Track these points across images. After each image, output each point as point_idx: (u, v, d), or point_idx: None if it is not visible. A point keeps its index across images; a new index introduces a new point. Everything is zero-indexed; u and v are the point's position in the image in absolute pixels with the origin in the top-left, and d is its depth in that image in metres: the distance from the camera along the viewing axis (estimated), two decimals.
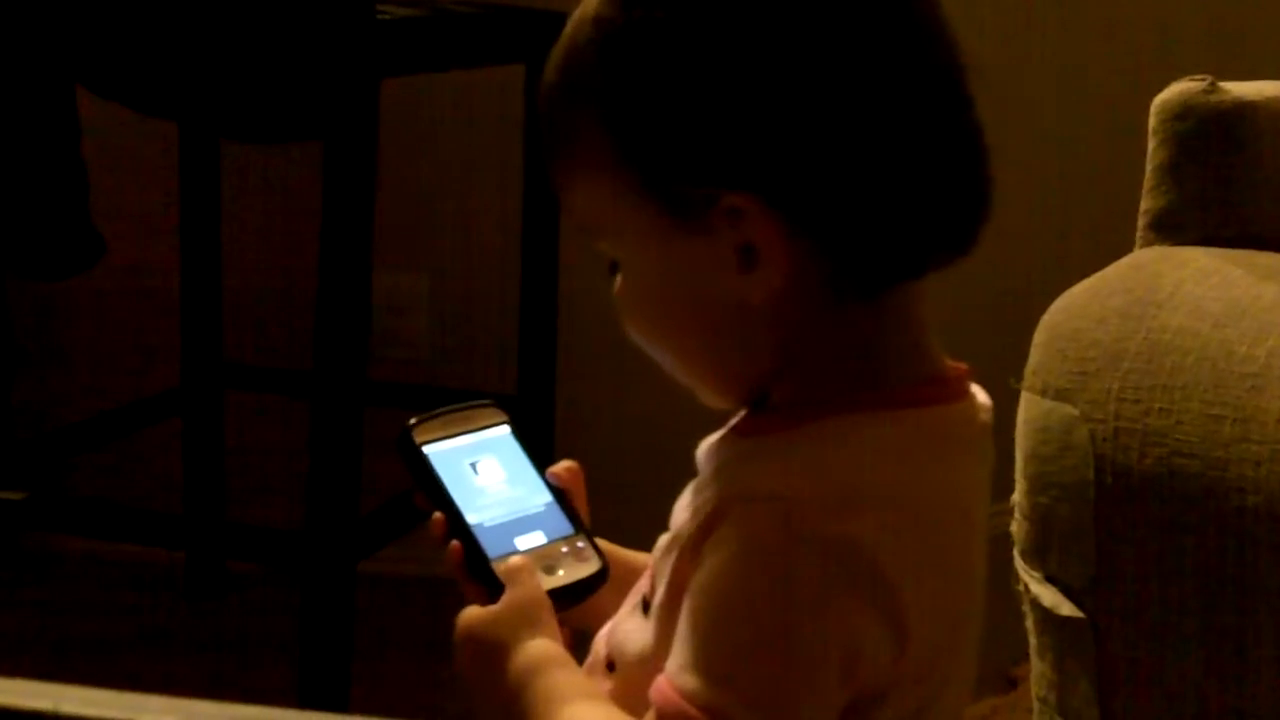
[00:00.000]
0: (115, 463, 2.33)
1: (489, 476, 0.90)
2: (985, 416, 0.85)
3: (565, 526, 0.90)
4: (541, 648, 0.83)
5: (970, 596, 0.83)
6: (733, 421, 0.85)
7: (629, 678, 0.82)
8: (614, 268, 0.84)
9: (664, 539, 0.83)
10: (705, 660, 0.75)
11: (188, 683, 1.65)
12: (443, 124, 2.31)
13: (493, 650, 0.84)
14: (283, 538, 1.92)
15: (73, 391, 2.42)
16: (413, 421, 0.90)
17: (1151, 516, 1.10)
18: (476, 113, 2.28)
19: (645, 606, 0.83)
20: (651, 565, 0.84)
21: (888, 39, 0.77)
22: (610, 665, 0.85)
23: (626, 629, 0.85)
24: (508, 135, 2.09)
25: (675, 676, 0.76)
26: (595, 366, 2.30)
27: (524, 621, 0.84)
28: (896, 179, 0.77)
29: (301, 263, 1.91)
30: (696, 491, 0.82)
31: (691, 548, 0.78)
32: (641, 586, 0.85)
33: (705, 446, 0.85)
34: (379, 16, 1.78)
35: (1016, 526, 1.18)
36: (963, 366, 0.84)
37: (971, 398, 0.84)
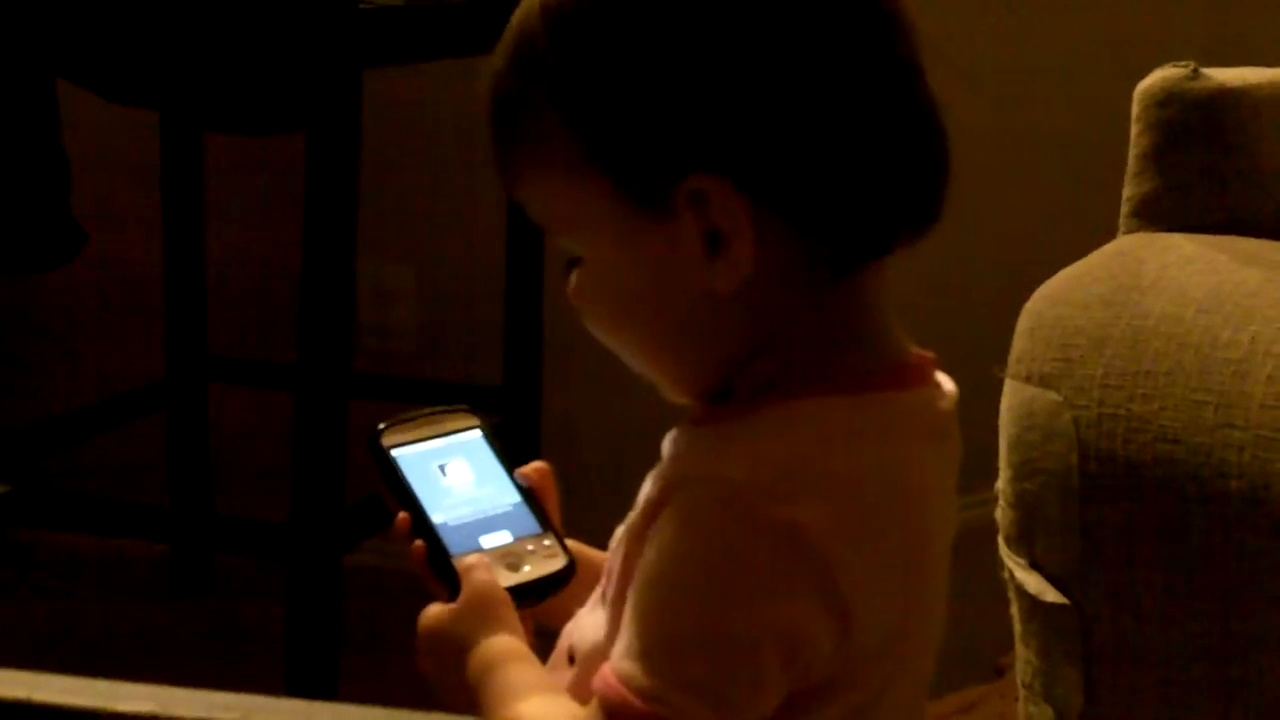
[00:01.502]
0: (99, 456, 2.33)
1: (457, 477, 0.90)
2: (948, 405, 0.83)
3: (533, 525, 0.89)
4: (500, 644, 0.83)
5: (922, 581, 0.80)
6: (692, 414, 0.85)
7: (585, 670, 0.81)
8: (571, 264, 0.82)
9: (619, 530, 0.82)
10: (644, 646, 0.74)
11: (173, 677, 1.64)
12: (429, 115, 2.30)
13: (452, 647, 0.83)
14: (268, 530, 1.91)
15: (55, 385, 2.41)
16: (382, 426, 0.90)
17: (1135, 502, 1.10)
18: (463, 103, 2.27)
19: (604, 599, 0.83)
20: (608, 558, 0.83)
21: (840, 14, 0.76)
22: (572, 658, 0.85)
23: (586, 622, 0.84)
24: None
25: (616, 663, 0.75)
26: (581, 357, 2.30)
27: (482, 617, 0.83)
28: (858, 152, 0.76)
29: (285, 254, 1.91)
30: (653, 481, 0.80)
31: (637, 536, 0.78)
32: (604, 581, 0.85)
33: (668, 437, 0.84)
34: (361, 6, 1.78)
35: (1001, 513, 1.18)
36: (928, 354, 0.83)
37: (935, 385, 0.83)
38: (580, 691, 0.80)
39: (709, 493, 0.75)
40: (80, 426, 2.25)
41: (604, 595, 0.82)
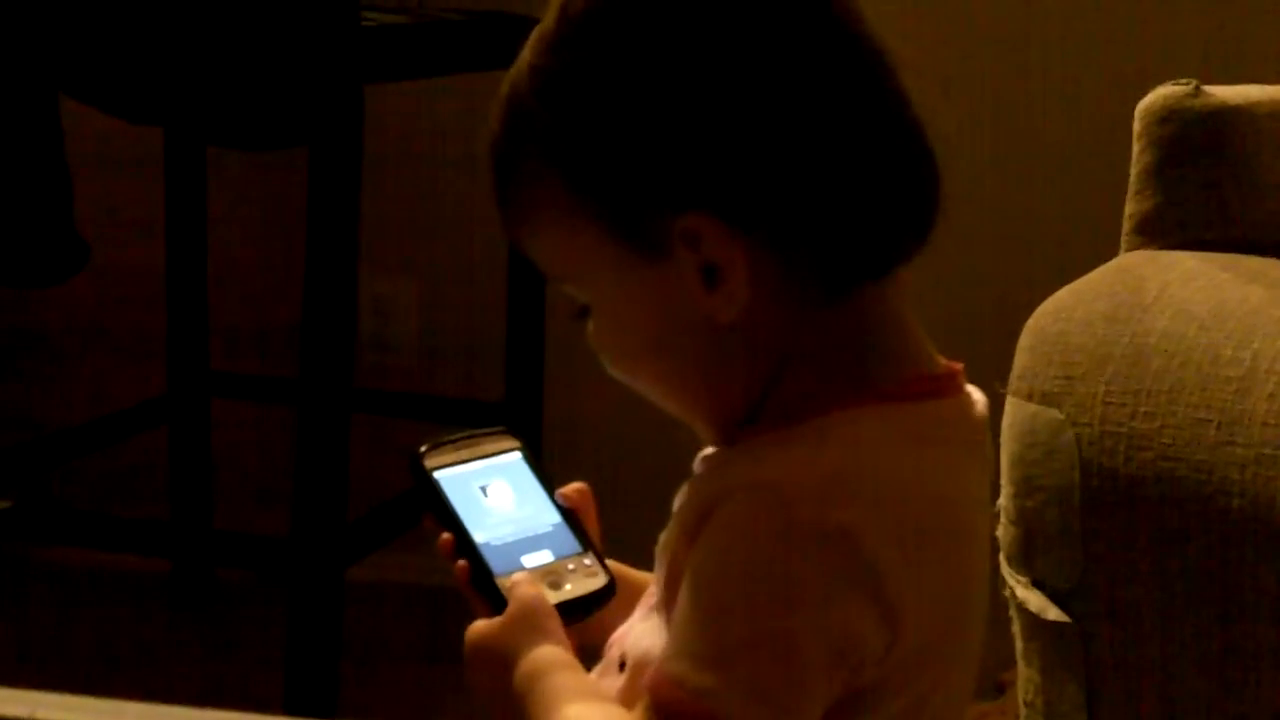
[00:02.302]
0: (101, 471, 2.33)
1: (498, 499, 0.92)
2: (980, 412, 0.85)
3: (573, 545, 0.91)
4: (548, 653, 0.84)
5: (966, 587, 0.83)
6: None
7: (636, 675, 0.83)
8: (583, 312, 0.84)
9: (662, 538, 0.84)
10: (696, 646, 0.76)
11: (174, 693, 1.64)
12: (431, 129, 2.30)
13: (500, 658, 0.85)
14: (270, 545, 1.91)
15: (58, 399, 2.41)
16: (423, 448, 0.92)
17: (1137, 520, 1.10)
18: (464, 118, 2.27)
19: (655, 607, 0.84)
20: (655, 567, 0.85)
21: (816, 48, 0.79)
22: (622, 665, 0.86)
23: (639, 630, 0.86)
24: None
25: (667, 663, 0.77)
26: (583, 371, 2.30)
27: (530, 629, 0.85)
28: (843, 181, 0.78)
29: (288, 269, 1.91)
30: (693, 490, 0.83)
31: (688, 541, 0.79)
32: (653, 589, 0.86)
33: (702, 455, 0.86)
34: (364, 23, 1.78)
35: (1003, 531, 1.18)
36: (957, 365, 0.84)
37: (966, 394, 0.85)
38: (630, 698, 0.82)
39: (760, 499, 0.76)
40: (82, 441, 2.25)
41: (655, 605, 0.84)
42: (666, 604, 0.81)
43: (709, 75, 0.77)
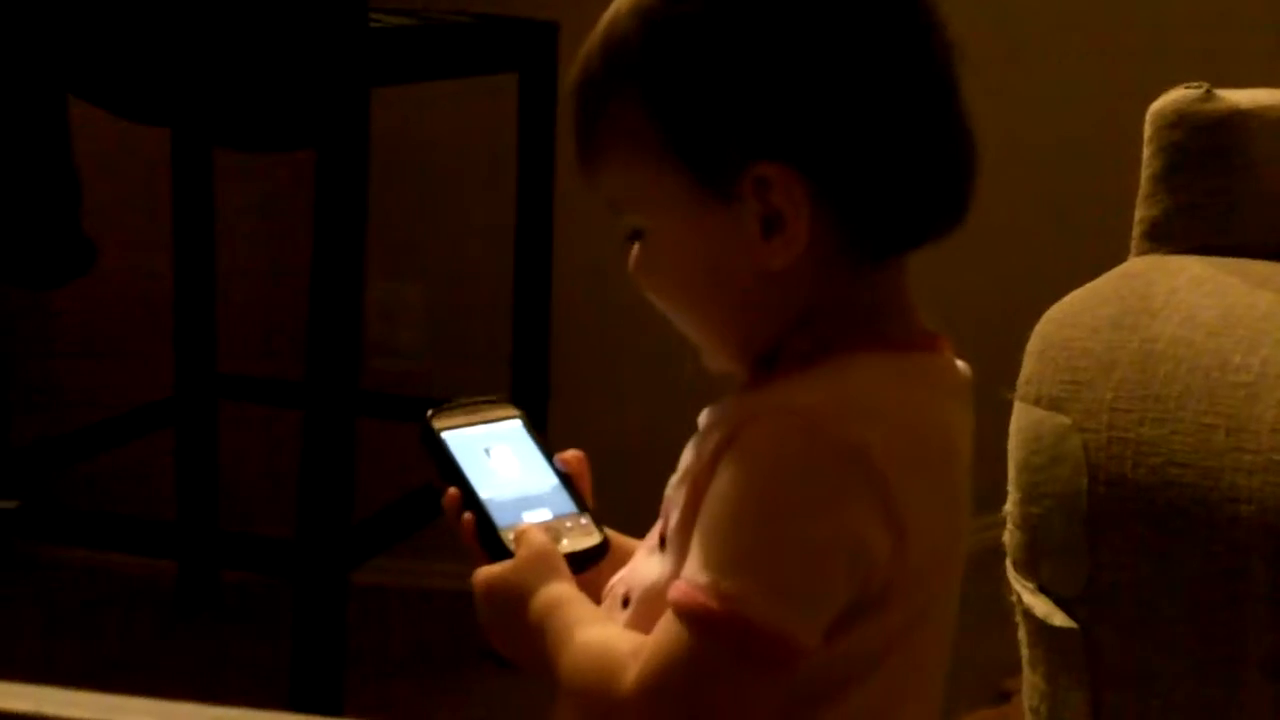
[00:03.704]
0: (108, 472, 2.33)
1: (501, 461, 0.97)
2: (967, 374, 0.92)
3: (570, 505, 0.96)
4: (560, 588, 0.89)
5: (956, 519, 0.88)
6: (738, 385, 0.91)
7: (644, 605, 0.87)
8: (634, 236, 0.89)
9: (674, 478, 0.88)
10: (721, 557, 0.81)
11: (178, 692, 1.64)
12: (437, 132, 2.30)
13: (514, 596, 0.90)
14: (275, 547, 1.91)
15: (65, 401, 2.42)
16: (431, 411, 0.99)
17: (1145, 526, 1.09)
18: (471, 121, 2.28)
19: (661, 544, 0.88)
20: (665, 504, 0.88)
21: (899, 26, 0.86)
22: (625, 602, 0.90)
23: (643, 566, 0.90)
24: (502, 143, 2.09)
25: (691, 576, 0.81)
26: (589, 374, 2.30)
27: (540, 570, 0.90)
28: (903, 151, 0.85)
29: (295, 272, 1.91)
30: (706, 433, 0.87)
31: (709, 467, 0.83)
32: (656, 530, 0.90)
33: (709, 409, 0.90)
34: (371, 25, 1.78)
35: (1009, 537, 1.18)
36: (942, 335, 0.91)
37: (952, 355, 0.91)
38: (639, 626, 0.86)
39: (779, 420, 0.82)
40: (89, 442, 2.25)
41: (661, 539, 0.88)
42: (683, 531, 0.84)
43: (803, 37, 0.84)
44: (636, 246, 0.90)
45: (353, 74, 1.74)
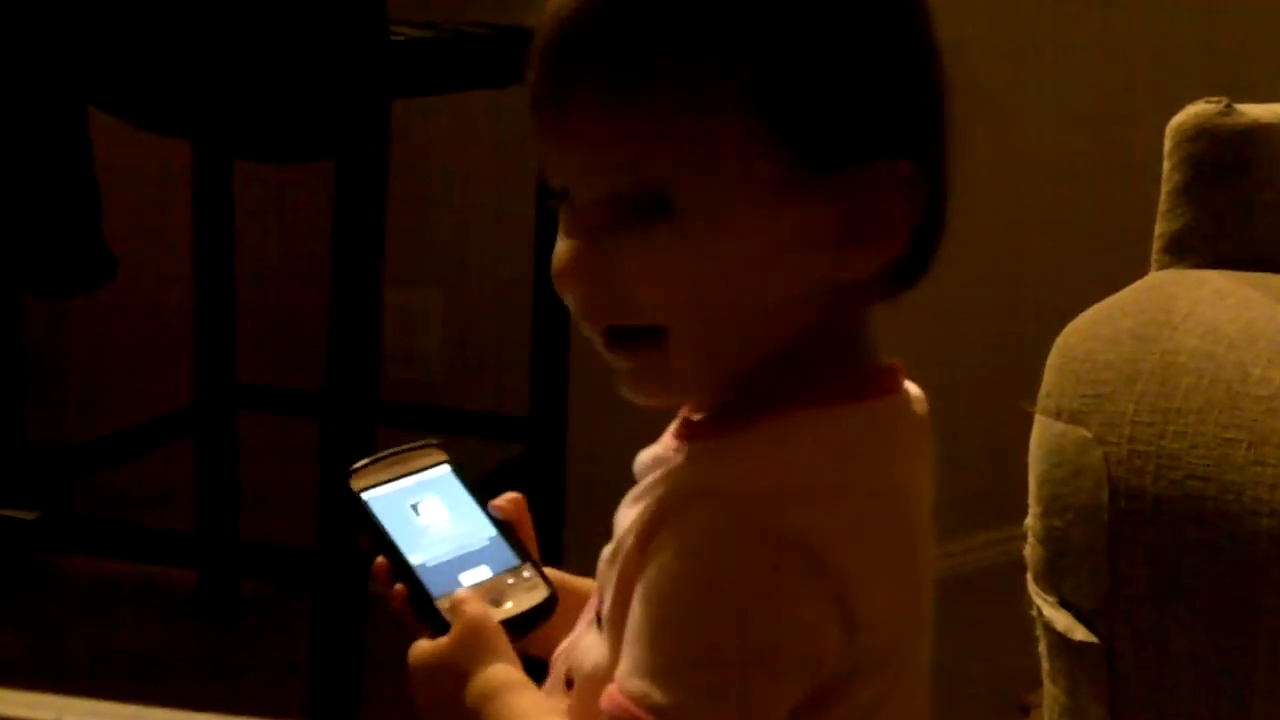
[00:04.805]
0: (127, 482, 2.33)
1: (431, 516, 0.89)
2: (921, 408, 0.85)
3: (510, 558, 0.89)
4: (499, 672, 0.83)
5: (917, 586, 0.82)
6: (671, 428, 0.86)
7: (586, 693, 0.81)
8: (632, 211, 0.77)
9: (606, 551, 0.82)
10: (655, 663, 0.74)
11: (198, 702, 1.65)
12: (456, 141, 2.31)
13: (450, 678, 0.83)
14: (295, 556, 1.91)
15: (84, 411, 2.42)
16: (352, 467, 0.90)
17: (1165, 540, 1.09)
18: (489, 130, 2.28)
19: (599, 621, 0.83)
20: (598, 579, 0.83)
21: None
22: (569, 683, 0.85)
23: (583, 645, 0.84)
24: (521, 152, 2.09)
25: (624, 681, 0.75)
26: (608, 384, 2.29)
27: (479, 648, 0.84)
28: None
29: (314, 282, 1.91)
30: (636, 500, 0.82)
31: (637, 552, 0.78)
32: (594, 603, 0.85)
33: (643, 457, 0.85)
34: (392, 37, 1.79)
35: (1029, 550, 1.17)
36: (897, 362, 0.84)
37: (906, 391, 0.84)
38: (582, 714, 0.81)
39: (711, 507, 0.75)
40: (108, 452, 2.26)
41: (598, 617, 0.83)
42: (616, 618, 0.79)
43: (929, 38, 0.80)
44: (659, 227, 0.76)
45: (373, 86, 1.75)
